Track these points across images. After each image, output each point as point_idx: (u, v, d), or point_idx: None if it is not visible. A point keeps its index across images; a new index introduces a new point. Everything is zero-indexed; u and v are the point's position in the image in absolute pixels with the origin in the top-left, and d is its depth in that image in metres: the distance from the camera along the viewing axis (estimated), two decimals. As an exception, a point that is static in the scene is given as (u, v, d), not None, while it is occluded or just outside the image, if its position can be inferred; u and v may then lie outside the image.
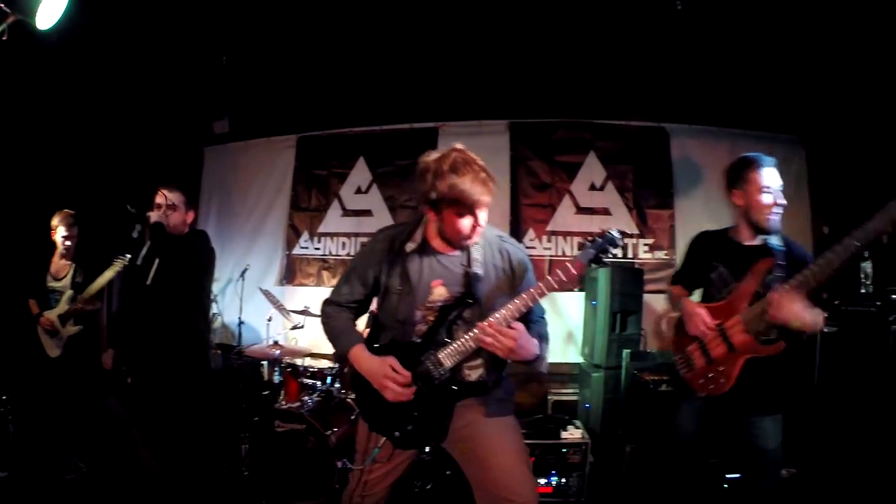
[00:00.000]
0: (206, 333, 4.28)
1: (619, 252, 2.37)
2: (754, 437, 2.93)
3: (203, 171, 7.37)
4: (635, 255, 6.12)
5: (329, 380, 4.83)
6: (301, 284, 6.69)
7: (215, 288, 6.77)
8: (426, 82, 6.17)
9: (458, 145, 2.48)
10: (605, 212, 6.18)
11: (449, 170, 2.37)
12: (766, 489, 2.86)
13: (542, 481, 4.42)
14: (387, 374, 2.46)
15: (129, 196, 3.97)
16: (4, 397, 4.88)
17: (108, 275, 4.19)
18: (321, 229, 6.73)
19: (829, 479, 2.84)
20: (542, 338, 2.54)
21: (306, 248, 6.75)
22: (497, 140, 6.34)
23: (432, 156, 2.45)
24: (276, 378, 5.22)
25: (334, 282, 6.42)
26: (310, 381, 4.90)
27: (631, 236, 2.16)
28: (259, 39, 5.64)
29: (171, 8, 4.99)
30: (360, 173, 6.61)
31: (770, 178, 2.97)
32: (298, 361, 5.19)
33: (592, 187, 6.23)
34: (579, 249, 2.38)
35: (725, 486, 3.49)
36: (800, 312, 2.61)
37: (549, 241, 6.20)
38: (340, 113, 6.66)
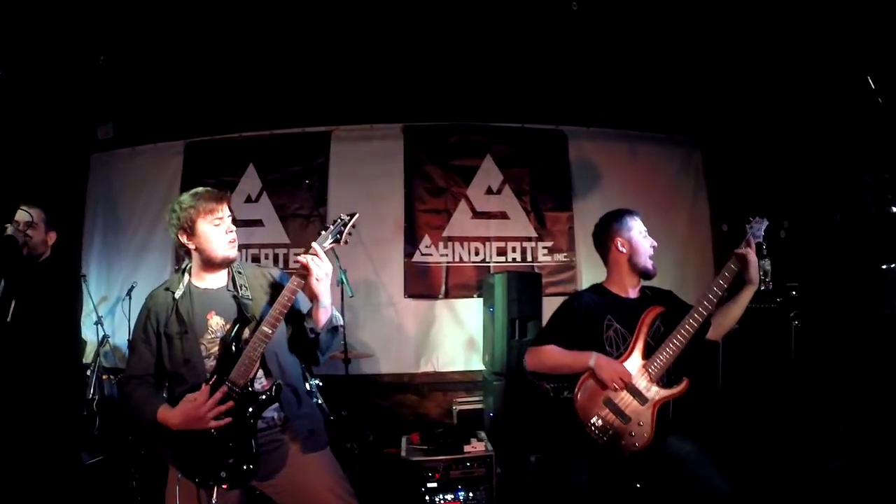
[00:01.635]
0: (77, 372, 4.08)
1: (350, 230, 2.66)
2: (668, 454, 2.93)
3: (89, 180, 6.90)
4: (535, 259, 6.08)
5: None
6: (191, 299, 6.34)
7: (102, 309, 6.38)
8: (318, 85, 5.96)
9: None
10: (503, 216, 6.11)
11: (186, 198, 2.73)
12: (717, 483, 2.77)
13: (449, 497, 4.33)
14: (195, 405, 2.48)
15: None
16: None
17: None
18: (211, 240, 6.38)
19: (735, 476, 2.82)
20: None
21: (196, 261, 6.40)
22: (391, 144, 6.19)
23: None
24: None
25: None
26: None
27: (355, 214, 2.40)
28: (142, 38, 5.31)
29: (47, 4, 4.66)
30: (250, 181, 6.29)
31: (642, 224, 3.19)
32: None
33: (489, 191, 6.14)
34: (319, 237, 2.62)
35: (638, 485, 3.38)
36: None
37: (445, 247, 6.06)
38: (229, 117, 6.35)
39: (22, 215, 3.65)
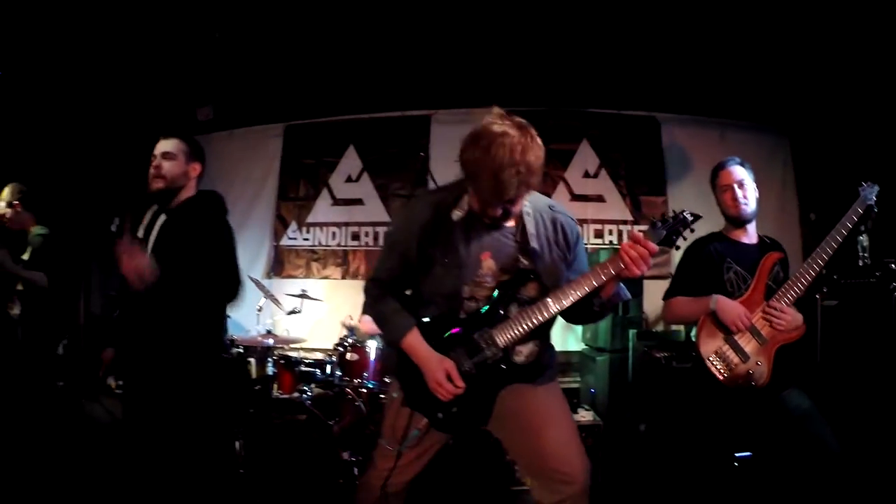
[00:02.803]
0: (220, 329, 3.55)
1: (687, 234, 2.27)
2: (789, 409, 3.04)
3: (185, 161, 7.16)
4: (630, 242, 6.11)
5: (329, 368, 4.70)
6: (290, 276, 6.54)
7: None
8: (418, 69, 6.07)
9: (527, 129, 2.21)
10: (600, 199, 6.20)
11: (483, 148, 2.12)
12: (829, 441, 2.92)
13: None
14: (441, 380, 2.28)
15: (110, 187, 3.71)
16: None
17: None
18: (310, 219, 6.60)
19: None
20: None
21: (294, 238, 6.62)
22: (490, 128, 6.25)
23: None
24: (270, 370, 5.07)
25: (325, 273, 6.35)
26: (308, 370, 4.75)
27: (700, 217, 2.12)
28: (245, 23, 5.47)
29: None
30: (351, 162, 6.51)
31: (728, 176, 3.25)
32: (293, 353, 5.03)
33: (586, 175, 6.23)
34: (650, 228, 2.24)
35: (735, 464, 3.47)
36: (796, 320, 3.04)
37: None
38: (329, 100, 6.52)
39: (160, 146, 3.21)
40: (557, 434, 2.37)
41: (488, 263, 2.35)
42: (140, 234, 3.19)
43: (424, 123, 6.35)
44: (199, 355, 3.16)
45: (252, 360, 5.17)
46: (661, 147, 6.30)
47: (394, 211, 6.22)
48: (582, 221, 6.13)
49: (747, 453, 3.48)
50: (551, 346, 2.56)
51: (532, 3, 5.14)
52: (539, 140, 2.18)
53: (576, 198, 6.20)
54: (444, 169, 6.22)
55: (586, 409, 4.69)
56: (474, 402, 2.35)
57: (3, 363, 4.57)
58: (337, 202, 6.55)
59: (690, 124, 6.37)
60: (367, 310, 2.53)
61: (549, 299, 2.26)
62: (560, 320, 2.46)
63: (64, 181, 5.89)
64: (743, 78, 5.91)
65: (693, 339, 3.17)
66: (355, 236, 6.32)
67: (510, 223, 2.38)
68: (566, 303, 2.24)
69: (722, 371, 3.00)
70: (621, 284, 2.33)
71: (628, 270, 2.14)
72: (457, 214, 2.34)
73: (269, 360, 4.98)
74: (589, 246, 6.07)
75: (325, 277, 6.41)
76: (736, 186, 3.20)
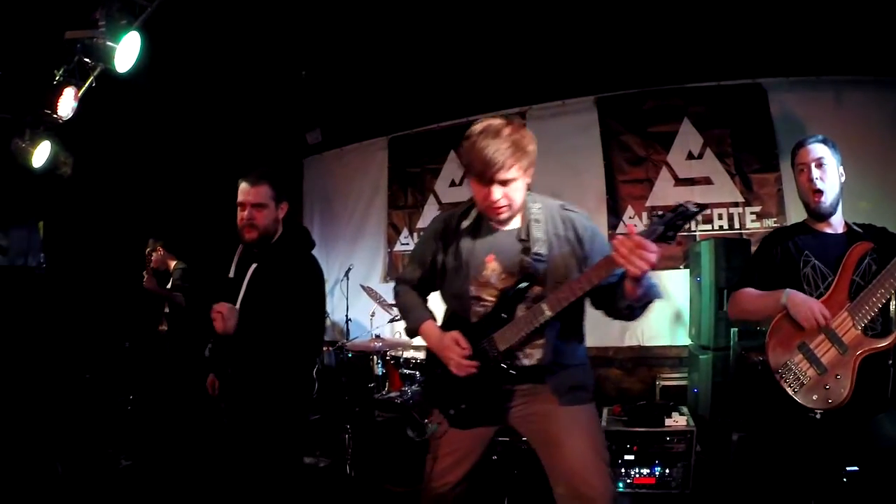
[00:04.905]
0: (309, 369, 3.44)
1: (689, 226, 2.21)
2: (877, 437, 2.56)
3: (303, 181, 7.76)
4: (742, 225, 5.70)
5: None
6: (404, 280, 6.84)
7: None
8: (508, 68, 6.05)
9: (513, 119, 2.41)
10: (707, 181, 5.82)
11: (471, 136, 2.34)
12: None
13: (645, 472, 4.18)
14: (449, 346, 2.45)
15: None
16: (131, 396, 5.64)
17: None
18: (420, 225, 6.90)
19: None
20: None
21: (407, 244, 6.95)
22: (585, 117, 6.19)
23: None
24: (380, 370, 5.35)
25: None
26: (409, 372, 4.96)
27: (705, 208, 2.02)
28: (340, 49, 5.78)
29: (253, 28, 5.21)
30: (453, 166, 6.68)
31: (806, 154, 2.77)
32: (406, 353, 5.27)
33: (690, 156, 5.89)
34: (648, 225, 2.11)
35: (844, 479, 3.09)
36: None
37: (649, 217, 5.88)
38: (427, 110, 6.77)
39: (247, 193, 3.07)
40: (574, 453, 2.38)
41: (493, 265, 2.46)
42: (231, 274, 3.22)
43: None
44: (284, 387, 3.13)
45: (375, 356, 5.57)
46: (771, 117, 5.76)
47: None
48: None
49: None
50: (579, 365, 2.55)
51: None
52: (529, 132, 2.37)
53: (680, 182, 5.88)
54: (543, 163, 6.20)
55: (681, 414, 4.36)
56: (481, 400, 2.49)
57: (155, 370, 5.88)
58: (443, 206, 6.76)
59: (801, 88, 5.77)
60: (395, 304, 2.86)
61: (543, 304, 2.30)
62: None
63: (195, 213, 6.59)
64: (855, 22, 5.22)
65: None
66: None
67: (515, 224, 2.49)
68: (559, 308, 2.27)
69: (793, 385, 2.58)
70: (652, 283, 2.19)
71: (628, 269, 2.04)
72: (465, 224, 2.54)
73: (379, 361, 5.29)
74: (697, 233, 5.74)
75: (436, 279, 6.60)
76: (813, 165, 2.71)
